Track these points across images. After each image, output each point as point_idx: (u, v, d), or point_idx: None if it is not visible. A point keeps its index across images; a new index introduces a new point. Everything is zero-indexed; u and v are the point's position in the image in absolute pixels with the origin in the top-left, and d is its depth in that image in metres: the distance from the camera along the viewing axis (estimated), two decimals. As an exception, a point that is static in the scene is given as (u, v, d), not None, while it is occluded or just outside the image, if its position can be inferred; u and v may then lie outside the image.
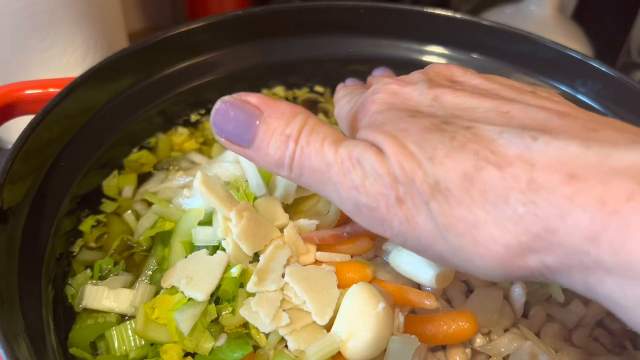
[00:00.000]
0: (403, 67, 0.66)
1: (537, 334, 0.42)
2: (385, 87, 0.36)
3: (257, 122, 0.34)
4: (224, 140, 0.36)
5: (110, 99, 0.56)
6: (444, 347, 0.40)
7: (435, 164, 0.29)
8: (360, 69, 0.66)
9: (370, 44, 0.68)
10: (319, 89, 0.70)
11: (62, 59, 0.80)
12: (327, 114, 0.68)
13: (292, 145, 0.33)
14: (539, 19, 0.98)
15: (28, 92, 0.52)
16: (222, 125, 0.35)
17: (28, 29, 0.75)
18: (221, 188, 0.43)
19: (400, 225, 0.30)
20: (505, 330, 0.42)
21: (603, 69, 0.55)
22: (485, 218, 0.28)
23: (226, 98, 0.36)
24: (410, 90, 0.35)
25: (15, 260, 0.41)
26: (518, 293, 0.42)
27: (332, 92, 0.70)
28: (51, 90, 0.52)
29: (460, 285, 0.42)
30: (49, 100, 0.49)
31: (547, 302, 0.44)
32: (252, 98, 0.35)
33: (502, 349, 0.40)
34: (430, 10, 0.64)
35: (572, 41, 0.99)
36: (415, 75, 0.37)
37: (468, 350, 0.40)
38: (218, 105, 0.36)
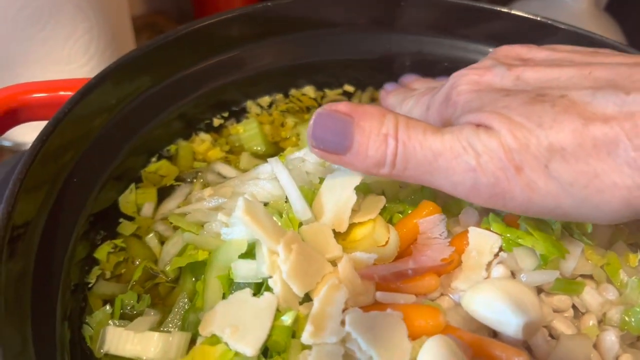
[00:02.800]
0: (446, 66, 0.61)
1: (627, 386, 0.37)
2: (463, 79, 0.39)
3: (352, 128, 0.35)
4: (319, 151, 0.37)
5: (126, 103, 0.49)
6: (527, 406, 0.35)
7: (545, 128, 0.32)
8: (399, 69, 0.60)
9: (411, 41, 0.62)
10: (349, 88, 0.64)
11: (63, 50, 0.74)
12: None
13: (392, 143, 0.35)
14: (574, 11, 0.92)
15: (35, 95, 0.46)
16: (321, 136, 0.36)
17: (25, 18, 0.69)
18: (266, 216, 0.37)
19: (522, 193, 0.33)
20: (594, 384, 0.36)
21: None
22: (602, 167, 0.31)
23: (320, 110, 0.36)
24: (491, 76, 0.38)
25: (28, 297, 0.35)
26: (610, 341, 0.36)
27: (364, 92, 0.64)
28: (61, 93, 0.46)
29: (543, 332, 0.37)
30: (61, 107, 0.42)
31: (634, 347, 0.39)
32: (341, 106, 0.36)
33: (595, 409, 0.35)
34: (479, 4, 0.58)
35: (606, 33, 0.93)
36: (487, 61, 0.40)
37: (555, 410, 0.35)
38: (314, 117, 0.36)
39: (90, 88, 0.45)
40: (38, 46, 0.71)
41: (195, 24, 0.54)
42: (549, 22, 0.57)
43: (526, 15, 0.57)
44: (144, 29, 1.10)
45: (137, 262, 0.43)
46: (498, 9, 0.57)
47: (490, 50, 0.60)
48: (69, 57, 0.74)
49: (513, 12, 0.57)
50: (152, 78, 0.52)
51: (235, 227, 0.39)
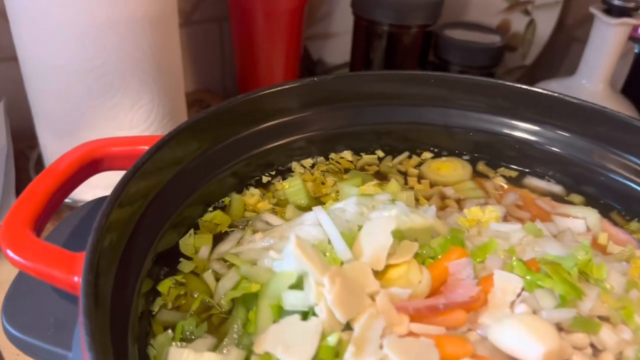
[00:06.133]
0: (471, 136, 0.67)
1: None
2: None
3: None
4: None
5: (190, 160, 0.57)
6: None
7: None
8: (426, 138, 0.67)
9: (437, 113, 0.69)
10: (380, 153, 0.70)
11: (127, 116, 0.83)
12: (385, 177, 0.67)
13: None
14: (591, 92, 0.99)
15: (115, 148, 0.53)
16: None
17: (99, 87, 0.78)
18: (314, 252, 0.43)
19: None
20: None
21: None
22: None
23: None
24: None
25: (107, 323, 0.40)
26: None
27: (393, 158, 0.70)
28: (139, 147, 0.53)
29: (563, 365, 0.40)
30: (138, 157, 0.50)
31: None
32: None
33: None
34: (503, 82, 0.65)
35: (623, 115, 0.99)
36: None
37: None
38: None
39: (163, 144, 0.52)
40: (106, 112, 0.80)
41: (250, 94, 0.62)
42: (557, 95, 0.63)
43: (538, 91, 0.64)
44: (194, 104, 1.21)
45: (196, 295, 0.48)
46: (516, 85, 0.64)
47: (513, 122, 0.68)
48: (131, 123, 0.83)
49: (526, 87, 0.64)
50: (212, 139, 0.59)
51: (286, 260, 0.44)
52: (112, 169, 0.54)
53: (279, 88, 0.63)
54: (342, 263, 0.45)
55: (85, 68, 0.76)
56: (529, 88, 0.64)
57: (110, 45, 0.76)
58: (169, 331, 0.45)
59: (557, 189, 0.65)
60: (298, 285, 0.43)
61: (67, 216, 0.56)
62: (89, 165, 0.52)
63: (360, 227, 0.49)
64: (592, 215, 0.59)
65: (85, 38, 0.74)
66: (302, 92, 0.65)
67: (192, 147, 0.57)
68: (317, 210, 0.50)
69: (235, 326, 0.44)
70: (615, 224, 0.60)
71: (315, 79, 0.65)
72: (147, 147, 0.51)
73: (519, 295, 0.43)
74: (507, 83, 0.65)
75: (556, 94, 0.63)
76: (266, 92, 0.62)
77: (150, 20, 0.79)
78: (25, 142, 1.02)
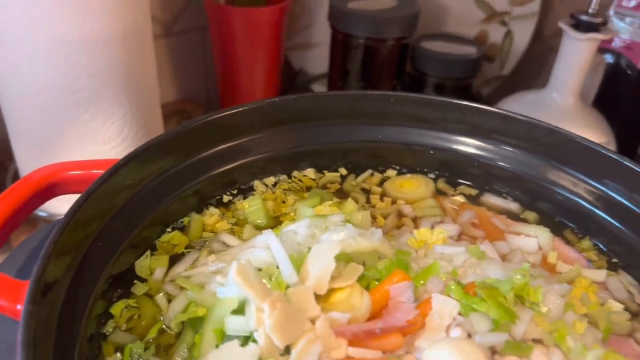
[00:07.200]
0: (432, 154, 0.69)
1: None
2: None
3: None
4: None
5: (148, 181, 0.58)
6: None
7: None
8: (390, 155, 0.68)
9: (398, 132, 0.70)
10: (344, 171, 0.71)
11: (100, 132, 0.84)
12: (347, 195, 0.68)
13: None
14: (561, 106, 1.00)
15: (71, 172, 0.54)
16: None
17: (72, 103, 0.79)
18: (255, 278, 0.44)
19: None
20: None
21: (634, 167, 0.56)
22: None
23: None
24: None
25: (51, 344, 0.42)
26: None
27: (357, 176, 0.71)
28: (93, 171, 0.54)
29: (494, 388, 0.42)
30: (91, 183, 0.51)
31: None
32: None
33: None
34: (457, 101, 0.66)
35: (594, 128, 1.00)
36: None
37: None
38: None
39: (118, 168, 0.53)
40: (79, 128, 0.81)
41: (211, 115, 0.63)
42: (511, 114, 0.64)
43: (494, 110, 0.65)
44: (174, 114, 1.22)
45: (162, 318, 0.49)
46: (472, 104, 0.66)
47: (470, 140, 0.69)
48: (104, 138, 0.84)
49: (483, 106, 0.65)
50: (173, 160, 0.60)
51: (229, 287, 0.45)
52: (68, 193, 0.55)
53: (241, 109, 0.64)
54: (287, 286, 0.46)
55: (58, 85, 0.77)
56: (484, 107, 0.65)
57: (82, 62, 0.77)
58: (118, 354, 0.46)
59: (513, 206, 0.66)
60: (241, 310, 0.44)
61: (26, 238, 0.57)
62: (45, 190, 0.53)
63: (310, 250, 0.50)
64: (543, 234, 0.60)
65: (58, 55, 0.75)
66: (264, 112, 0.66)
67: (151, 168, 0.58)
68: (267, 234, 0.51)
69: (182, 350, 0.45)
70: (568, 242, 0.61)
71: (276, 99, 0.66)
72: (102, 172, 0.53)
73: (455, 318, 0.45)
74: (463, 102, 0.66)
75: (511, 113, 0.65)
76: (227, 113, 0.64)
77: (123, 37, 0.80)
78: (4, 155, 1.04)
